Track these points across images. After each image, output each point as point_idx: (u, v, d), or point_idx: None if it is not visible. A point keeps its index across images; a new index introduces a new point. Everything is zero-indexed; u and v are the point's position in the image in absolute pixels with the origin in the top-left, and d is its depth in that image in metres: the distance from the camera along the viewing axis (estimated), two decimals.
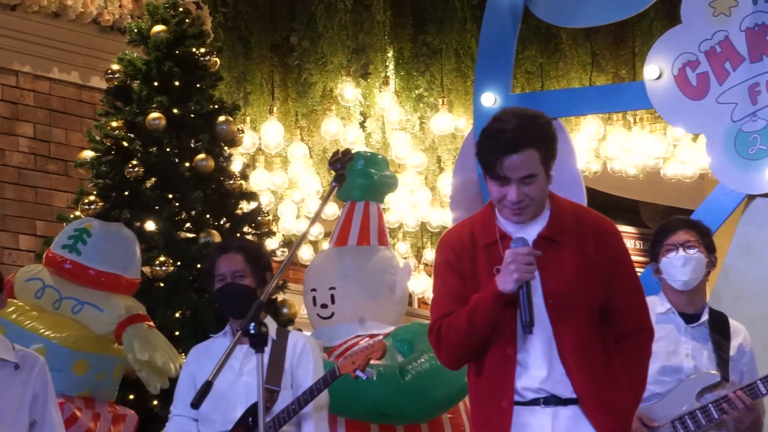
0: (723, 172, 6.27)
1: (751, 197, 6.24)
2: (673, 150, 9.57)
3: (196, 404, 3.95)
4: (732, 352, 4.90)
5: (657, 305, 4.92)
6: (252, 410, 4.95)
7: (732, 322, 4.98)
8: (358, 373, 4.92)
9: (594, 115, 8.93)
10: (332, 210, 9.76)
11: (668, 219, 5.12)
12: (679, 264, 4.86)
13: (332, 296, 6.70)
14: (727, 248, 6.35)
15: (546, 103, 6.78)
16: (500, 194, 3.93)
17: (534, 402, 3.93)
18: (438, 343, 3.99)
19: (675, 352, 4.85)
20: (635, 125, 9.37)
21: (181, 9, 7.05)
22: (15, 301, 5.84)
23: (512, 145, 3.86)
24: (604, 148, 9.47)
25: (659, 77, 6.37)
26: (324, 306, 6.72)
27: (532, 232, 3.97)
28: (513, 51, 6.79)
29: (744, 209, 6.29)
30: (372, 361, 4.99)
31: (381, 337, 6.51)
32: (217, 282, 5.11)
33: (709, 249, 4.98)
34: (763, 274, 6.17)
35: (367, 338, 6.51)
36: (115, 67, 6.91)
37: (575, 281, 3.93)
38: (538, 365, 3.92)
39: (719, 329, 4.92)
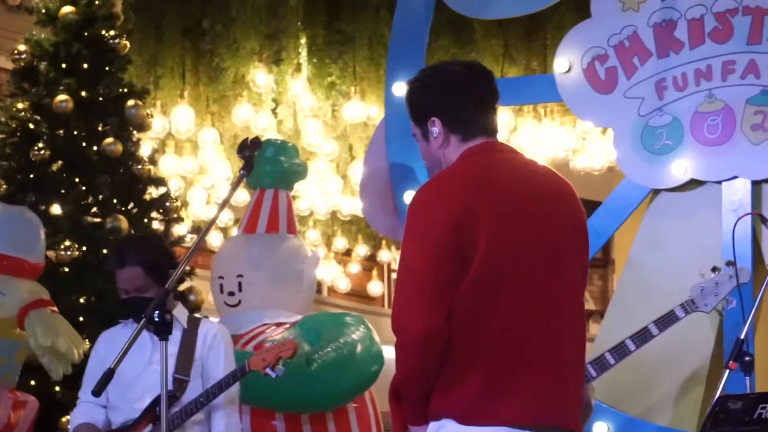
0: (629, 166, 6.33)
1: (656, 191, 6.32)
2: (583, 143, 9.67)
3: (97, 392, 3.92)
4: None
5: None
6: (160, 399, 4.89)
7: None
8: (268, 371, 4.87)
9: (505, 107, 8.98)
10: (243, 196, 9.72)
11: None
12: None
13: (239, 284, 6.66)
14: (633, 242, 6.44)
15: None
16: None
17: None
18: None
19: None
20: (546, 117, 9.45)
21: None
22: None
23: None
24: (514, 139, 9.53)
25: (569, 70, 6.42)
26: (231, 294, 6.67)
27: None
28: (425, 40, 6.80)
29: (649, 203, 6.36)
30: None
31: (288, 325, 6.49)
32: (120, 291, 5.02)
33: None
34: (668, 267, 6.24)
35: (274, 326, 6.49)
36: (22, 47, 6.82)
37: None
38: None
39: None
